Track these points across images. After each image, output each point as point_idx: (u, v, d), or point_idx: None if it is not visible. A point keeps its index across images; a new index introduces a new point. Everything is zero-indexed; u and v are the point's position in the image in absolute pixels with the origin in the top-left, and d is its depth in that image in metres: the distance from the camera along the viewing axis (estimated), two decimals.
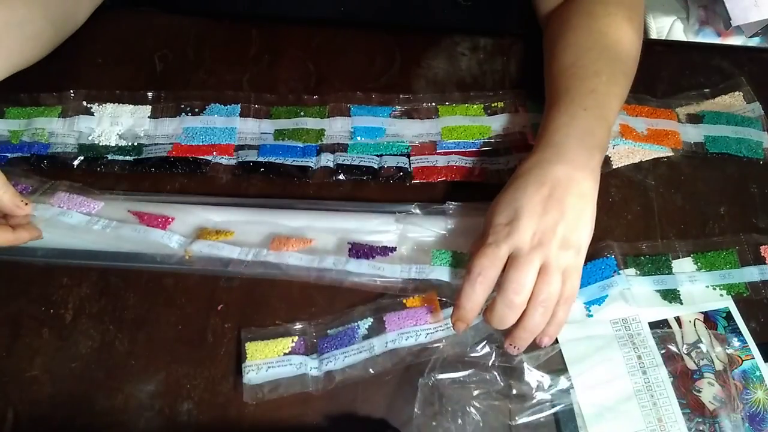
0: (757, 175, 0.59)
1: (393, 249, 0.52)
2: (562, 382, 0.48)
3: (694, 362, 0.50)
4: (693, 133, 0.60)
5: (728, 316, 0.52)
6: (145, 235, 0.52)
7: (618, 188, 0.58)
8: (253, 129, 0.59)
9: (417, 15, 0.71)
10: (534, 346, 0.46)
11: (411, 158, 0.57)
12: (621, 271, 0.52)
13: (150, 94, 0.60)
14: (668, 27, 1.07)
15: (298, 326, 0.50)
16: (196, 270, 0.52)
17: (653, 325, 0.51)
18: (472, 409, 0.47)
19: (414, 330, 0.49)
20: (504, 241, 0.43)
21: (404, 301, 0.50)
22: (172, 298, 0.51)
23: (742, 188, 0.58)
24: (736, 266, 0.54)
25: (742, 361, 0.50)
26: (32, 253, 0.52)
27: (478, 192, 0.54)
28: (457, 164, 0.57)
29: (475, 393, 0.47)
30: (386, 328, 0.49)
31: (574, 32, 0.55)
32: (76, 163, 0.57)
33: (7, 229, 0.49)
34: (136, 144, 0.58)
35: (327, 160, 0.57)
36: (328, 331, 0.49)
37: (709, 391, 0.49)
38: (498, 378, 0.48)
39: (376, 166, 0.57)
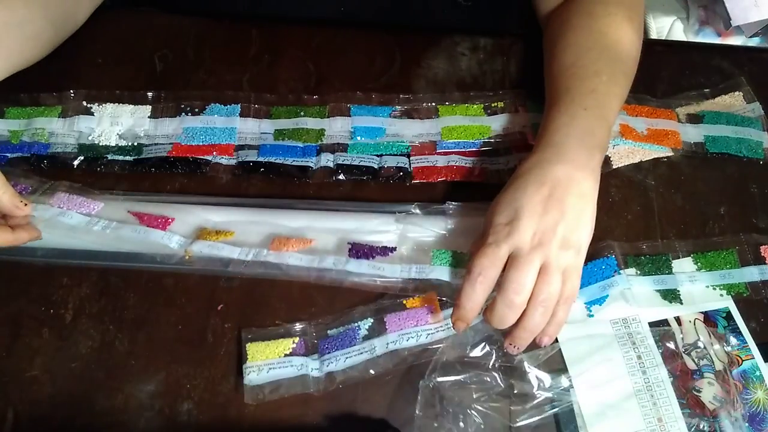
0: (757, 175, 0.59)
1: (393, 249, 0.52)
2: (562, 382, 0.48)
3: (694, 362, 0.50)
4: (693, 133, 0.60)
5: (728, 316, 0.52)
6: (145, 235, 0.52)
7: (618, 188, 0.58)
8: (253, 129, 0.59)
9: (417, 15, 0.71)
10: (534, 346, 0.46)
11: (411, 158, 0.57)
12: (621, 271, 0.52)
13: (150, 94, 0.60)
14: (668, 27, 1.07)
15: (298, 327, 0.50)
16: (196, 270, 0.52)
17: (653, 325, 0.51)
18: (473, 411, 0.47)
19: (415, 330, 0.49)
20: (504, 241, 0.43)
21: (404, 301, 0.50)
22: (172, 298, 0.51)
23: (742, 188, 0.58)
24: (736, 266, 0.54)
25: (742, 361, 0.50)
26: (32, 253, 0.52)
27: (478, 192, 0.54)
28: (457, 164, 0.57)
29: (476, 395, 0.47)
30: (387, 329, 0.49)
31: (574, 32, 0.55)
32: (76, 163, 0.57)
33: (6, 230, 0.49)
34: (136, 144, 0.58)
35: (327, 160, 0.57)
36: (329, 332, 0.49)
37: (709, 391, 0.49)
38: (498, 379, 0.48)
39: (376, 166, 0.57)
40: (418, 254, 0.52)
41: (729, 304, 0.52)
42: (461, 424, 0.46)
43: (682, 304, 0.52)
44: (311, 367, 0.48)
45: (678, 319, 0.51)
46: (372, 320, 0.50)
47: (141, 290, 0.52)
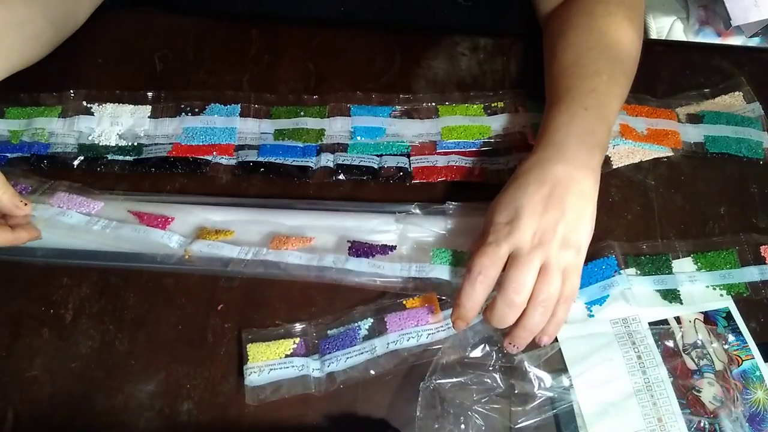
0: (757, 175, 0.59)
1: (393, 248, 0.52)
2: (563, 382, 0.48)
3: (694, 362, 0.50)
4: (693, 133, 0.60)
5: (728, 316, 0.52)
6: (145, 235, 0.52)
7: (618, 188, 0.58)
8: (253, 129, 0.59)
9: (417, 15, 0.71)
10: (534, 346, 0.46)
11: (411, 158, 0.57)
12: (622, 271, 0.52)
13: (150, 94, 0.60)
14: (668, 27, 1.07)
15: (298, 327, 0.50)
16: (196, 270, 0.51)
17: (653, 325, 0.51)
18: (474, 413, 0.47)
19: (415, 330, 0.49)
20: (504, 240, 0.43)
21: (404, 302, 0.50)
22: (172, 298, 0.51)
23: (742, 188, 0.58)
24: (736, 266, 0.54)
25: (742, 361, 0.50)
26: (32, 253, 0.52)
27: (478, 192, 0.54)
28: (457, 164, 0.57)
29: (476, 396, 0.47)
30: (387, 329, 0.49)
31: (574, 32, 0.55)
32: (76, 163, 0.57)
33: (6, 229, 0.49)
34: (136, 144, 0.58)
35: (327, 160, 0.57)
36: (329, 332, 0.49)
37: (709, 391, 0.49)
38: (499, 380, 0.48)
39: (376, 166, 0.57)
40: (418, 253, 0.52)
41: (729, 304, 0.52)
42: (462, 425, 0.46)
43: (682, 304, 0.52)
44: (312, 367, 0.48)
45: (678, 319, 0.51)
46: (372, 320, 0.50)
47: (141, 290, 0.52)
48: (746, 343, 0.51)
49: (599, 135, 0.48)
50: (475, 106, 0.60)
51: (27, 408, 0.47)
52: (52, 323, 0.50)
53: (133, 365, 0.49)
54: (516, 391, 0.48)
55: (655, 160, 0.59)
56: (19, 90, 0.59)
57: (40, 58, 0.57)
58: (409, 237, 0.52)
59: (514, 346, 0.45)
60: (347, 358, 0.48)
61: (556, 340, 0.49)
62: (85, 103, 0.59)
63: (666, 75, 0.64)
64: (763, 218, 0.57)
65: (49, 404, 0.47)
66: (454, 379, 0.48)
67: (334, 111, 0.60)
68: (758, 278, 0.53)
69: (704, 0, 1.05)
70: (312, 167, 0.57)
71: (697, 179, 0.59)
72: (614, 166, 0.58)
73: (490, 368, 0.48)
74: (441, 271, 0.50)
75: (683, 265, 0.54)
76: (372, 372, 0.48)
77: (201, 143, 0.57)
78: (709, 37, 1.03)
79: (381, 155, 0.58)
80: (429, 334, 0.49)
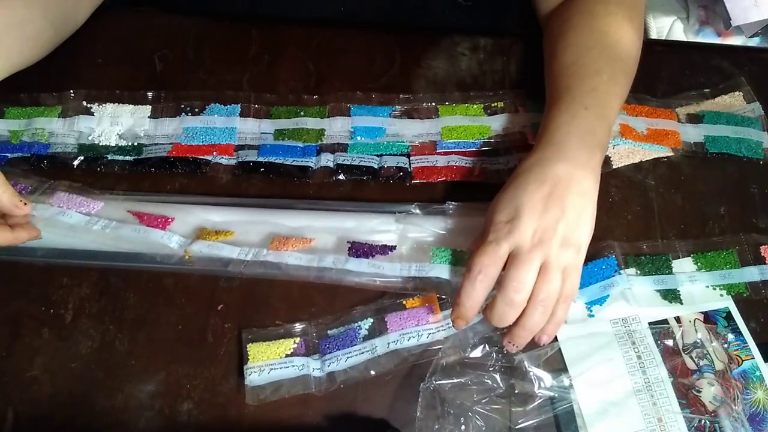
0: (757, 175, 0.59)
1: (393, 248, 0.52)
2: (563, 381, 0.48)
3: (694, 362, 0.50)
4: (693, 133, 0.60)
5: (728, 316, 0.52)
6: (145, 235, 0.51)
7: (618, 188, 0.58)
8: (253, 129, 0.59)
9: (417, 15, 0.71)
10: (534, 345, 0.46)
11: (411, 158, 0.57)
12: (622, 271, 0.52)
13: (150, 94, 0.60)
14: (668, 27, 1.07)
15: (299, 327, 0.50)
16: (195, 270, 0.51)
17: (653, 325, 0.51)
18: (475, 414, 0.47)
19: (416, 330, 0.49)
20: (505, 239, 0.43)
21: (404, 302, 0.50)
22: (172, 298, 0.51)
23: (742, 188, 0.58)
24: (736, 266, 0.54)
25: (742, 361, 0.50)
26: (32, 253, 0.52)
27: (478, 192, 0.54)
28: (457, 164, 0.57)
29: (477, 397, 0.47)
30: (388, 329, 0.49)
31: (574, 31, 0.55)
32: (76, 163, 0.57)
33: (5, 229, 0.49)
34: (136, 144, 0.58)
35: (327, 160, 0.57)
36: (329, 332, 0.49)
37: (708, 391, 0.49)
38: (499, 380, 0.48)
39: (376, 166, 0.57)
40: (417, 253, 0.52)
41: (729, 304, 0.52)
42: (462, 426, 0.46)
43: (682, 304, 0.52)
44: (312, 367, 0.48)
45: (678, 319, 0.51)
46: (372, 320, 0.50)
47: (141, 290, 0.52)
48: (746, 343, 0.51)
49: (599, 134, 0.48)
50: (475, 106, 0.60)
51: (27, 408, 0.47)
52: (52, 323, 0.50)
53: (133, 365, 0.49)
54: (516, 391, 0.48)
55: (655, 160, 0.59)
56: (19, 90, 0.59)
57: (40, 58, 0.57)
58: (409, 237, 0.52)
59: (513, 345, 0.45)
60: (348, 357, 0.48)
61: (555, 339, 0.49)
62: (85, 103, 0.59)
63: (666, 75, 0.64)
64: (763, 218, 0.57)
65: (49, 404, 0.48)
66: (455, 380, 0.48)
67: (334, 111, 0.60)
68: (758, 278, 0.53)
69: (704, 0, 1.05)
70: (312, 167, 0.57)
71: (697, 179, 0.59)
72: (614, 166, 0.58)
73: (490, 368, 0.48)
74: (441, 271, 0.50)
75: (683, 265, 0.54)
76: (372, 372, 0.48)
77: (201, 143, 0.57)
78: (709, 37, 1.03)
79: (381, 155, 0.58)
80: (429, 334, 0.49)
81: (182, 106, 0.59)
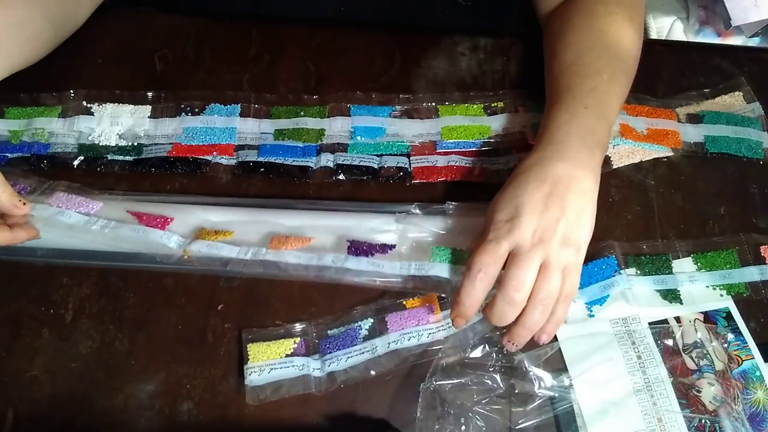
0: (757, 175, 0.59)
1: (392, 246, 0.52)
2: (563, 381, 0.48)
3: (694, 362, 0.50)
4: (693, 133, 0.60)
5: (728, 316, 0.52)
6: (144, 235, 0.51)
7: (618, 188, 0.58)
8: (253, 129, 0.59)
9: (417, 15, 0.71)
10: (534, 345, 0.46)
11: (411, 158, 0.57)
12: (622, 271, 0.52)
13: (150, 94, 0.60)
14: (668, 27, 1.07)
15: (299, 327, 0.50)
16: (195, 269, 0.51)
17: (653, 325, 0.51)
18: (475, 414, 0.47)
19: (416, 330, 0.49)
20: (505, 238, 0.43)
21: (404, 302, 0.50)
22: (172, 298, 0.51)
23: (742, 188, 0.58)
24: (736, 266, 0.54)
25: (742, 361, 0.50)
26: (32, 253, 0.52)
27: (478, 192, 0.54)
28: (457, 164, 0.57)
29: (477, 397, 0.47)
30: (388, 329, 0.49)
31: (575, 31, 0.55)
32: (76, 163, 0.57)
33: (4, 229, 0.49)
34: (136, 144, 0.58)
35: (327, 160, 0.57)
36: (329, 332, 0.49)
37: (708, 391, 0.49)
38: (499, 380, 0.48)
39: (376, 166, 0.57)
40: (417, 253, 0.52)
41: (729, 304, 0.52)
42: (463, 426, 0.46)
43: (682, 304, 0.52)
44: (313, 367, 0.48)
45: (678, 319, 0.51)
46: (373, 320, 0.50)
47: (141, 290, 0.52)
48: (746, 343, 0.51)
49: (600, 134, 0.48)
50: (475, 106, 0.60)
51: (27, 408, 0.47)
52: (52, 323, 0.50)
53: (133, 365, 0.49)
54: (516, 391, 0.48)
55: (655, 160, 0.59)
56: (19, 90, 0.59)
57: (40, 58, 0.57)
58: (409, 237, 0.52)
59: (513, 344, 0.45)
60: (348, 357, 0.48)
61: (555, 339, 0.49)
62: (85, 103, 0.59)
63: (666, 75, 0.64)
64: (763, 218, 0.57)
65: (49, 404, 0.48)
66: (455, 380, 0.48)
67: (334, 111, 0.60)
68: (758, 278, 0.53)
69: (704, 0, 1.05)
70: (312, 167, 0.57)
71: (697, 179, 0.59)
72: (614, 166, 0.58)
73: (491, 369, 0.48)
74: (441, 269, 0.50)
75: (683, 265, 0.54)
76: (372, 372, 0.48)
77: (201, 143, 0.57)
78: (709, 37, 1.03)
79: (381, 155, 0.58)
80: (430, 334, 0.49)
81: (182, 106, 0.59)
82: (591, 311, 0.51)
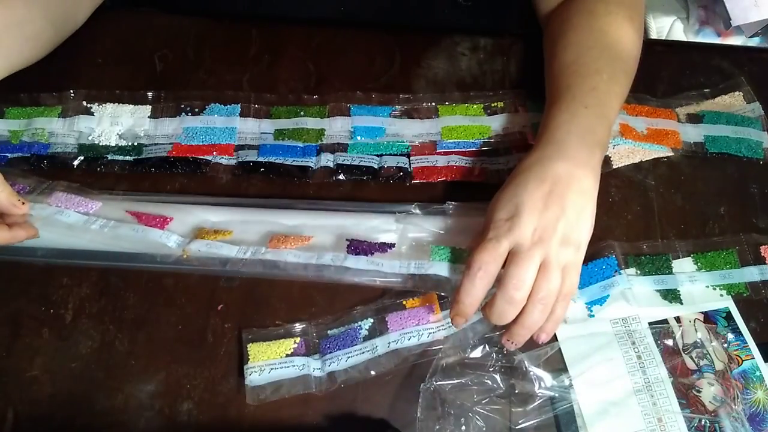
0: (757, 175, 0.59)
1: (392, 245, 0.52)
2: (563, 381, 0.48)
3: (694, 362, 0.50)
4: (693, 133, 0.60)
5: (728, 316, 0.52)
6: (143, 234, 0.51)
7: (618, 188, 0.58)
8: (253, 129, 0.59)
9: (417, 15, 0.71)
10: (533, 345, 0.46)
11: (411, 158, 0.57)
12: (622, 271, 0.52)
13: (150, 94, 0.60)
14: (668, 27, 1.07)
15: (299, 327, 0.50)
16: (194, 269, 0.51)
17: (653, 325, 0.51)
18: (475, 414, 0.47)
19: (416, 330, 0.49)
20: (505, 237, 0.43)
21: (404, 302, 0.50)
22: (172, 298, 0.51)
23: (742, 188, 0.58)
24: (736, 266, 0.54)
25: (742, 361, 0.50)
26: (32, 252, 0.52)
27: (478, 192, 0.54)
28: (457, 164, 0.57)
29: (477, 397, 0.47)
30: (389, 329, 0.49)
31: (575, 31, 0.55)
32: (76, 163, 0.57)
33: (3, 228, 0.49)
34: (136, 144, 0.58)
35: (327, 160, 0.57)
36: (329, 332, 0.49)
37: (708, 391, 0.49)
38: (499, 381, 0.48)
39: (376, 166, 0.57)
40: (417, 252, 0.52)
41: (729, 304, 0.52)
42: (463, 426, 0.46)
43: (682, 304, 0.52)
44: (313, 366, 0.48)
45: (678, 319, 0.51)
46: (373, 320, 0.50)
47: (141, 290, 0.52)
48: (746, 343, 0.51)
49: (599, 133, 0.48)
50: (475, 106, 0.60)
51: (27, 408, 0.47)
52: (52, 323, 0.50)
53: (133, 365, 0.49)
54: (516, 391, 0.48)
55: (655, 160, 0.59)
56: (19, 90, 0.59)
57: (40, 58, 0.57)
58: (409, 237, 0.52)
59: (512, 343, 0.45)
60: (348, 357, 0.48)
61: (554, 338, 0.49)
62: (85, 103, 0.59)
63: (666, 75, 0.64)
64: (763, 218, 0.57)
65: (49, 404, 0.47)
66: (455, 380, 0.48)
67: (334, 111, 0.60)
68: (758, 278, 0.53)
69: (704, 0, 1.05)
70: (312, 167, 0.57)
71: (697, 179, 0.59)
72: (614, 166, 0.58)
73: (491, 369, 0.48)
74: (440, 268, 0.50)
75: (683, 265, 0.54)
76: (372, 372, 0.48)
77: (201, 143, 0.57)
78: (709, 37, 1.03)
79: (381, 155, 0.58)
80: (430, 333, 0.49)
81: (182, 106, 0.59)
82: (591, 311, 0.51)
